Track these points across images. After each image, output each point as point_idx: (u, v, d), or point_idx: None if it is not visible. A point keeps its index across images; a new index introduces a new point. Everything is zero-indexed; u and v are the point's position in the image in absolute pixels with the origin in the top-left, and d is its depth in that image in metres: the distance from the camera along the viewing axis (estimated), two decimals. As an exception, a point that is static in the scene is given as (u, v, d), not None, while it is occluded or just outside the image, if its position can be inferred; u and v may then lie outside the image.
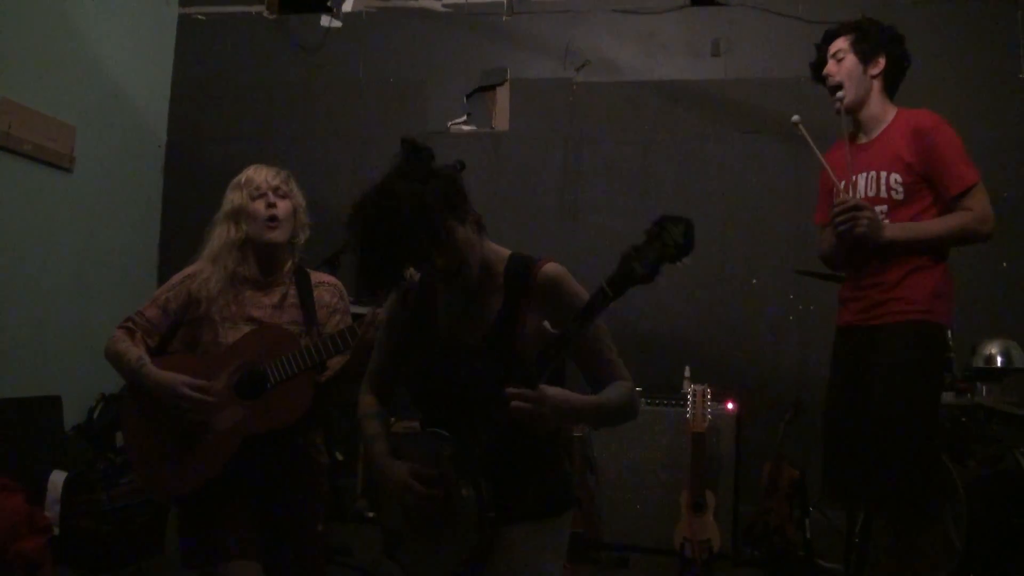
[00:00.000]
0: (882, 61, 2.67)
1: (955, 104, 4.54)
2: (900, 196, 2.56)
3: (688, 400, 3.88)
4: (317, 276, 2.53)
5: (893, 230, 2.52)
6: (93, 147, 4.64)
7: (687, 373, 4.35)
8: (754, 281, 4.38)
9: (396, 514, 1.89)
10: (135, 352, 2.34)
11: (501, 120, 5.10)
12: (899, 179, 2.56)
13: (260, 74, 5.35)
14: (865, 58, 2.67)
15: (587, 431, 4.03)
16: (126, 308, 2.50)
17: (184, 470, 2.28)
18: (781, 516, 3.74)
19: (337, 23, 5.31)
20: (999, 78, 4.54)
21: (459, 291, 1.87)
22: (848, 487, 2.66)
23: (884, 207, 2.58)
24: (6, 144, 4.07)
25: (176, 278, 2.47)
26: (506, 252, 1.91)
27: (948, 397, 3.41)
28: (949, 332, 2.61)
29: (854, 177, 2.65)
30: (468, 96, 5.14)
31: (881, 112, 2.68)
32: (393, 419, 3.56)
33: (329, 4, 5.32)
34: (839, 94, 2.66)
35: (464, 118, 5.13)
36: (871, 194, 2.61)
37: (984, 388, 3.56)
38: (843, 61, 2.69)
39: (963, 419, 3.37)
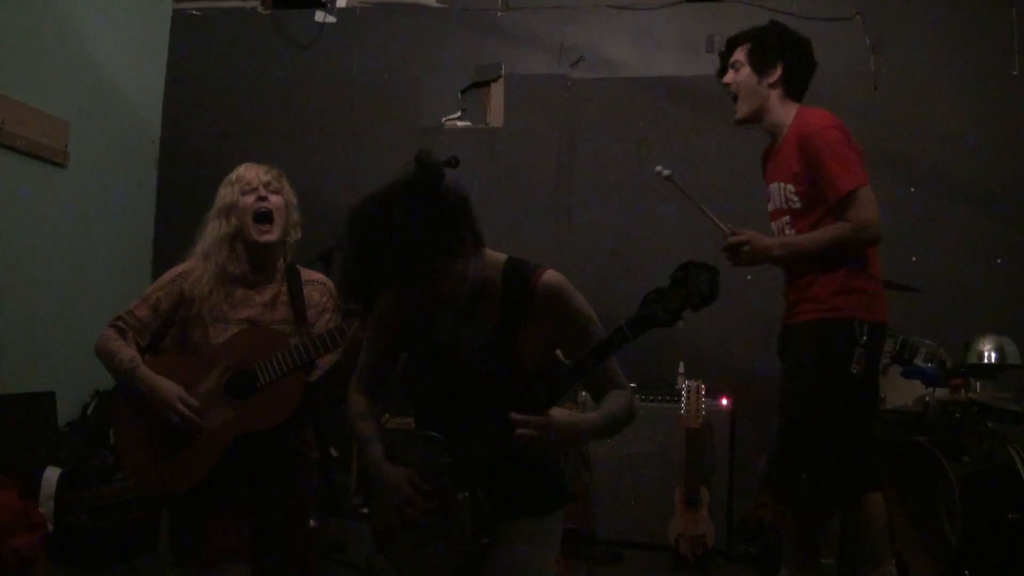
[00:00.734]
0: (779, 69, 2.67)
1: (949, 102, 4.56)
2: (798, 205, 2.60)
3: (682, 396, 3.89)
4: (308, 274, 2.52)
5: (778, 249, 2.59)
6: (87, 143, 4.62)
7: (681, 369, 4.36)
8: (748, 276, 4.38)
9: (390, 518, 1.88)
10: (128, 352, 2.33)
11: (495, 116, 5.10)
12: (792, 189, 2.60)
13: (254, 70, 5.33)
14: (760, 69, 2.68)
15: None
16: (120, 304, 2.49)
17: (174, 469, 2.27)
18: (775, 512, 3.75)
19: (331, 19, 5.29)
20: (993, 76, 4.53)
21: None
22: (775, 487, 2.71)
23: (787, 218, 2.64)
24: (0, 140, 4.06)
25: (167, 276, 2.45)
26: (502, 257, 1.86)
27: (942, 393, 3.42)
28: (867, 326, 2.50)
29: (769, 188, 2.73)
30: (462, 92, 5.12)
31: (783, 118, 2.68)
32: (386, 415, 3.59)
33: (323, 0, 5.31)
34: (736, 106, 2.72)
35: (458, 114, 5.12)
36: (779, 204, 2.67)
37: (978, 384, 3.58)
38: (740, 71, 2.72)
39: (957, 415, 3.39)
